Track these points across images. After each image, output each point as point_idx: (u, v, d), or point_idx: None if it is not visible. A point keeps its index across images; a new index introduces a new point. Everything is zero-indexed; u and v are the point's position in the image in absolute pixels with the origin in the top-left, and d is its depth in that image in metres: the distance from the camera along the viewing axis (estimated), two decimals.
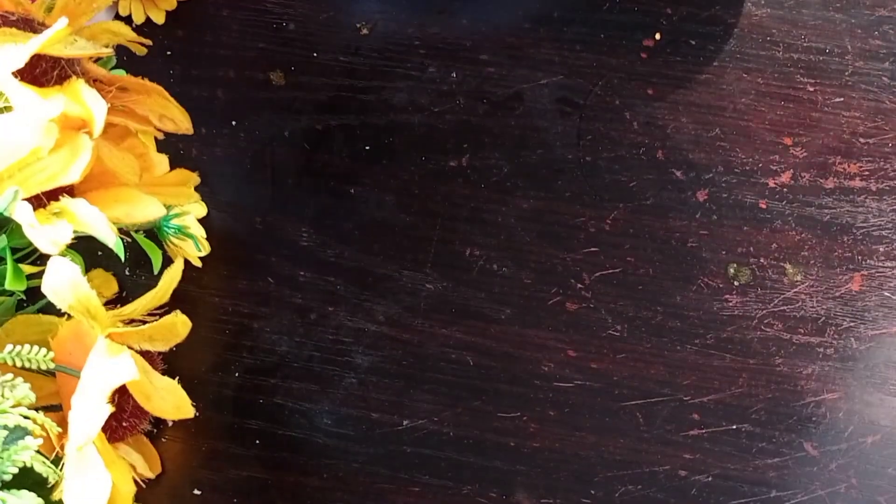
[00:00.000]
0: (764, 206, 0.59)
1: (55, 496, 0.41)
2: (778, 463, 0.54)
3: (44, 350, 0.40)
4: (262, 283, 0.57)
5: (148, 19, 0.62)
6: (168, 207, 0.52)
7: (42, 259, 0.42)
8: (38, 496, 0.38)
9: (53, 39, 0.39)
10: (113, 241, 0.41)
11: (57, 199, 0.41)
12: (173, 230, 0.53)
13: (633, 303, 0.57)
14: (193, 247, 0.54)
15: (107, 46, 0.47)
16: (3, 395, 0.39)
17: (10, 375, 0.39)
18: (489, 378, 0.56)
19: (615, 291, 0.57)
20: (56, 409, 0.46)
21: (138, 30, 0.57)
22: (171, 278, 0.49)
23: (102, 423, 0.40)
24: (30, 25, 0.43)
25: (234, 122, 0.61)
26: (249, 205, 0.58)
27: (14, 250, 0.45)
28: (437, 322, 0.57)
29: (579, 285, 0.57)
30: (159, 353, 0.48)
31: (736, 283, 0.57)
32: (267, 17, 0.63)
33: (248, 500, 0.53)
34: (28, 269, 0.46)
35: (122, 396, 0.43)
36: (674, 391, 0.56)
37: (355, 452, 0.53)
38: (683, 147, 0.57)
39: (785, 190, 0.59)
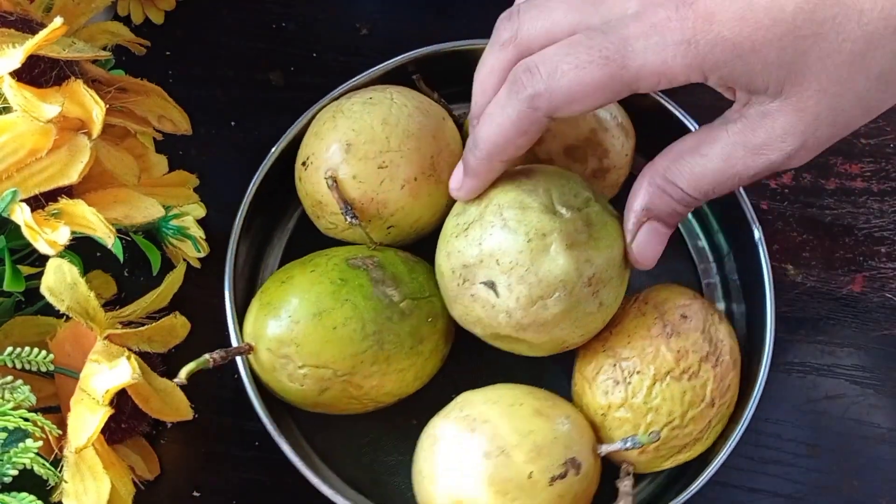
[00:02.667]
0: (766, 207, 0.59)
1: (54, 498, 0.41)
2: (779, 464, 0.54)
3: (43, 352, 0.40)
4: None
5: (147, 19, 0.62)
6: (167, 208, 0.52)
7: (41, 260, 0.41)
8: (38, 498, 0.38)
9: (49, 39, 0.39)
10: (111, 243, 0.41)
11: (56, 200, 0.41)
12: (172, 231, 0.53)
13: None
14: (193, 248, 0.54)
15: (105, 47, 0.47)
16: (2, 398, 0.39)
17: (9, 378, 0.39)
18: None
19: None
20: (55, 410, 0.46)
21: (137, 30, 0.57)
22: (172, 281, 0.49)
23: (101, 425, 0.40)
24: (28, 26, 0.43)
25: (233, 123, 0.61)
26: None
27: (13, 251, 0.45)
28: None
29: None
30: (158, 355, 0.48)
31: None
32: (266, 17, 0.63)
33: (247, 502, 0.53)
34: (27, 269, 0.46)
35: (121, 398, 0.43)
36: None
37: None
38: None
39: (786, 191, 0.59)
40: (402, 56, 0.55)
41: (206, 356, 0.46)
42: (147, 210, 0.44)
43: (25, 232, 0.39)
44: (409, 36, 0.62)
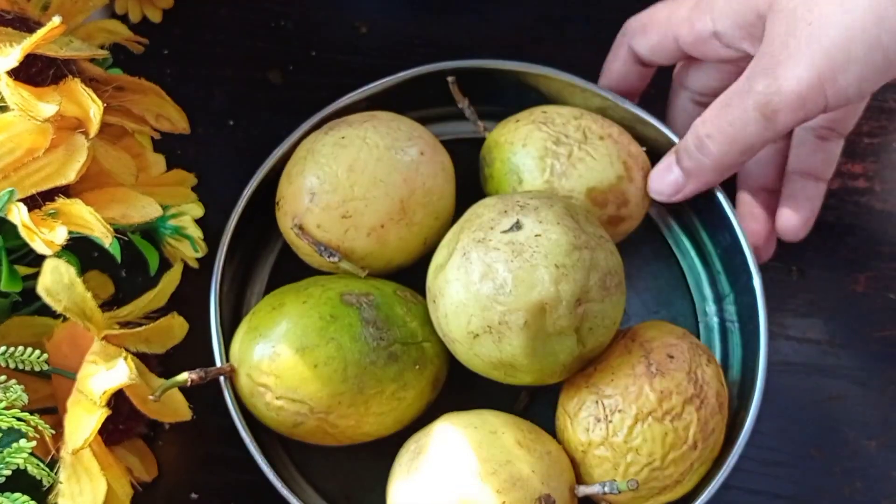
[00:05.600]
0: None
1: (50, 499, 0.41)
2: (780, 465, 0.54)
3: (37, 351, 0.40)
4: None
5: (145, 18, 0.61)
6: (165, 208, 0.52)
7: (38, 260, 0.41)
8: (33, 499, 0.38)
9: (47, 38, 0.39)
10: (109, 243, 0.40)
11: (53, 200, 0.41)
12: (170, 231, 0.53)
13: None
14: (190, 248, 0.53)
15: (103, 46, 0.47)
16: None
17: (2, 377, 0.39)
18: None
19: None
20: (51, 411, 0.45)
21: (135, 28, 0.57)
22: (170, 282, 0.49)
23: (98, 426, 0.40)
24: (25, 24, 0.43)
25: (231, 122, 0.60)
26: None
27: (10, 251, 0.45)
28: None
29: None
30: (156, 356, 0.48)
31: None
32: (265, 15, 0.63)
33: None
34: (24, 270, 0.46)
35: (118, 399, 0.43)
36: None
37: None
38: None
39: None
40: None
41: (185, 375, 0.45)
42: (145, 209, 0.44)
43: (22, 232, 0.39)
44: (408, 35, 0.62)
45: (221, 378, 0.48)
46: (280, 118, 0.60)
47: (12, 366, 0.40)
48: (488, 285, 0.44)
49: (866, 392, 0.55)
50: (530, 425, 0.48)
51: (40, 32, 0.38)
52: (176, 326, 0.48)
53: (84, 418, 0.40)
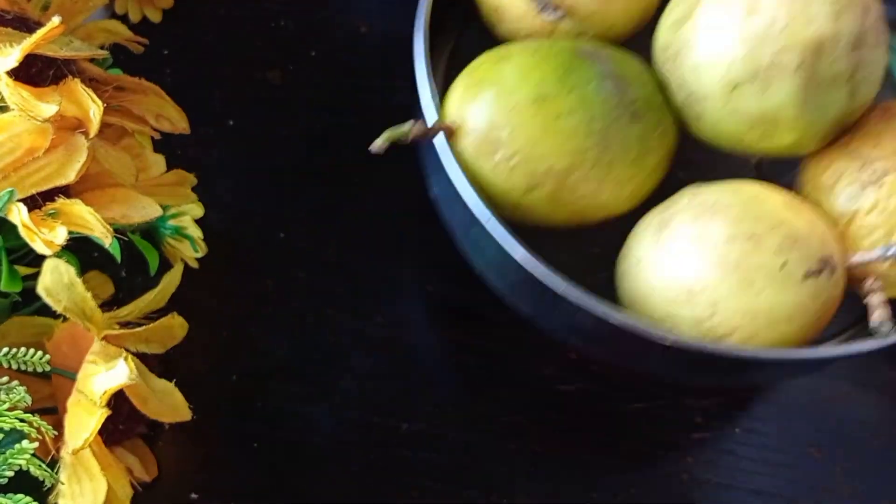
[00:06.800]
0: None
1: (50, 500, 0.41)
2: (781, 465, 0.54)
3: (39, 352, 0.40)
4: (259, 285, 0.56)
5: (145, 18, 0.61)
6: (165, 208, 0.52)
7: (38, 260, 0.41)
8: (34, 500, 0.38)
9: (47, 38, 0.39)
10: (109, 243, 0.40)
11: (52, 200, 0.41)
12: (170, 231, 0.53)
13: None
14: (190, 248, 0.53)
15: (103, 46, 0.47)
16: None
17: (5, 378, 0.39)
18: (490, 381, 0.55)
19: None
20: (51, 411, 0.45)
21: (135, 29, 0.57)
22: (170, 282, 0.49)
23: (98, 426, 0.40)
24: (25, 24, 0.43)
25: (231, 122, 0.60)
26: (247, 205, 0.57)
27: (10, 251, 0.45)
28: (437, 324, 0.56)
29: None
30: (156, 356, 0.48)
31: None
32: (265, 15, 0.63)
33: None
34: (24, 270, 0.46)
35: (118, 399, 0.43)
36: (675, 393, 0.55)
37: (354, 456, 0.53)
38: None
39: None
40: None
41: (407, 124, 0.40)
42: (145, 210, 0.44)
43: (22, 232, 0.39)
44: (409, 34, 0.62)
45: (436, 140, 0.42)
46: (280, 118, 0.60)
47: (14, 367, 0.40)
48: (756, 21, 0.39)
49: (866, 392, 0.55)
50: (789, 192, 0.43)
51: (40, 32, 0.38)
52: (176, 326, 0.48)
53: (84, 418, 0.40)
